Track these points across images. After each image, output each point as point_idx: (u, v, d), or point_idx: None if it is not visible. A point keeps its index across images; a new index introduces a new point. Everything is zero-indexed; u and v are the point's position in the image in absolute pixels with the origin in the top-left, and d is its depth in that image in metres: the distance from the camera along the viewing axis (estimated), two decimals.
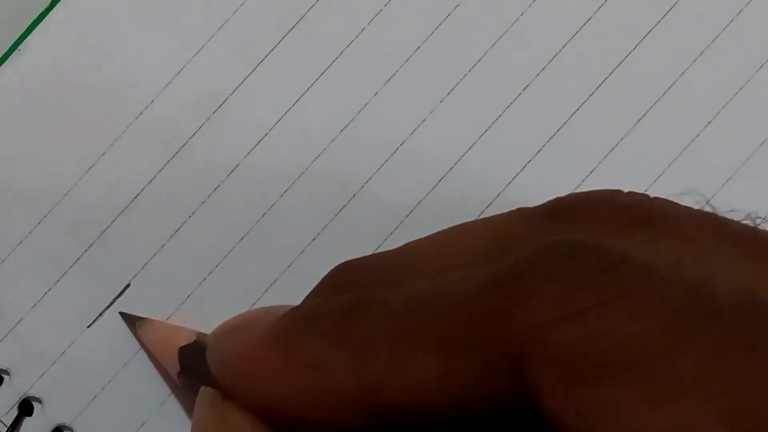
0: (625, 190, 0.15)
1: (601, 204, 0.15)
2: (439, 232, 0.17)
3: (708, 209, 0.14)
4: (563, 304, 0.12)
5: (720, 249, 0.13)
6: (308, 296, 0.17)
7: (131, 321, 0.28)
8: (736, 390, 0.11)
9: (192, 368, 0.21)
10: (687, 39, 0.29)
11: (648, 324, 0.12)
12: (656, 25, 0.29)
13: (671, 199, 0.15)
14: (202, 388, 0.16)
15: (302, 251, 0.29)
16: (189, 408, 0.28)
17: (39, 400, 0.28)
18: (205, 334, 0.22)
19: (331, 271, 0.17)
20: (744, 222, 0.14)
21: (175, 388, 0.28)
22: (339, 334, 0.14)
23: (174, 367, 0.23)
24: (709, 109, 0.29)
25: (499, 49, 0.29)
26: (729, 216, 0.14)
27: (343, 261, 0.17)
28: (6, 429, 0.28)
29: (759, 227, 0.14)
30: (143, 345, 0.28)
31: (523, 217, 0.16)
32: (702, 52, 0.29)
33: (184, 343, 0.22)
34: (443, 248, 0.16)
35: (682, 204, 0.15)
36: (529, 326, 0.13)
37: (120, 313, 0.28)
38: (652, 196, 0.15)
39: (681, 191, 0.16)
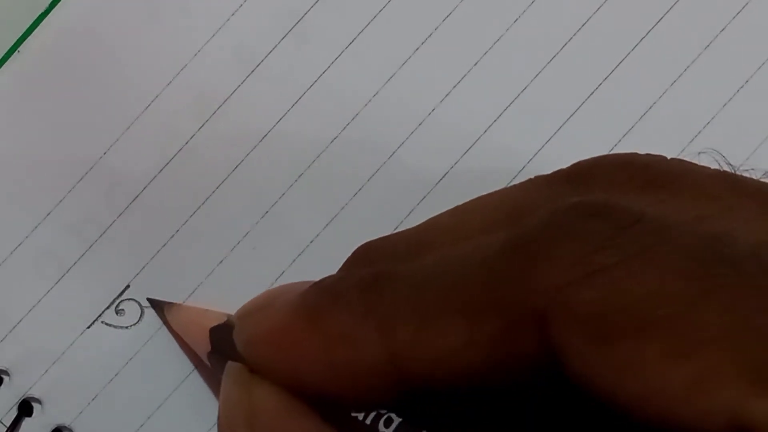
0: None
1: (618, 166, 0.15)
2: (456, 207, 0.17)
3: (726, 168, 0.14)
4: (584, 264, 0.13)
5: (738, 205, 0.13)
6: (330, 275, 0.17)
7: (159, 306, 0.28)
8: (758, 341, 0.11)
9: (222, 348, 0.21)
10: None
11: (669, 279, 0.12)
12: None
13: (688, 158, 0.15)
14: (229, 363, 0.16)
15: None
16: (218, 390, 0.28)
17: (39, 401, 0.28)
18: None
19: (352, 254, 0.17)
20: (761, 179, 0.14)
21: (204, 373, 0.28)
22: (364, 305, 0.14)
23: (204, 347, 0.23)
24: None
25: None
26: (747, 174, 0.14)
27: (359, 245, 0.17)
28: (6, 430, 0.28)
29: None
30: (171, 330, 0.28)
31: (540, 183, 0.16)
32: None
33: (215, 324, 0.22)
34: (461, 220, 0.16)
35: (699, 164, 0.15)
36: (551, 286, 0.13)
37: (148, 299, 0.28)
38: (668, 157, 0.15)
39: (699, 150, 0.16)
